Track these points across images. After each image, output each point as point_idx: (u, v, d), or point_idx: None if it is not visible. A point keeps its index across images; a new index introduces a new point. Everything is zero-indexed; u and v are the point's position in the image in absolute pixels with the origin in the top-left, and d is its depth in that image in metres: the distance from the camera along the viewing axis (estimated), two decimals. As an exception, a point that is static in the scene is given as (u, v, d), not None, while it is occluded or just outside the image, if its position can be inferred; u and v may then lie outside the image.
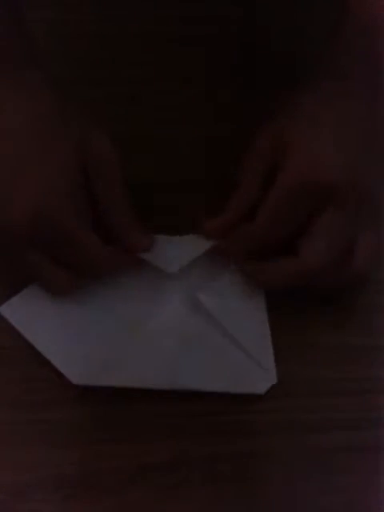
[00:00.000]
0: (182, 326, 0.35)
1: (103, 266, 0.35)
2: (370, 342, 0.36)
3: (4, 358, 0.35)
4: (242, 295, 0.36)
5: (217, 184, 0.41)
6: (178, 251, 0.36)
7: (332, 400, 0.34)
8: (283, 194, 0.34)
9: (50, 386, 0.33)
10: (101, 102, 0.45)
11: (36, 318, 0.35)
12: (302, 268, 0.33)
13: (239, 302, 0.36)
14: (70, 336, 0.35)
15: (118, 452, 0.32)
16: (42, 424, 0.32)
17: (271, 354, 0.35)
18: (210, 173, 0.42)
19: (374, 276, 0.38)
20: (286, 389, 0.34)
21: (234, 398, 0.33)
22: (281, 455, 0.32)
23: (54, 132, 0.33)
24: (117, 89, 0.47)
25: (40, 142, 0.33)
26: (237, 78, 0.48)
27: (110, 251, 0.34)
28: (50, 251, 0.33)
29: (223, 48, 0.50)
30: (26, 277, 0.35)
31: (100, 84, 0.47)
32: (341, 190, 0.33)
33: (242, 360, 0.34)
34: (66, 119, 0.34)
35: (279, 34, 0.52)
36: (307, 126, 0.35)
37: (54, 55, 0.49)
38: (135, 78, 0.48)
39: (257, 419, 0.33)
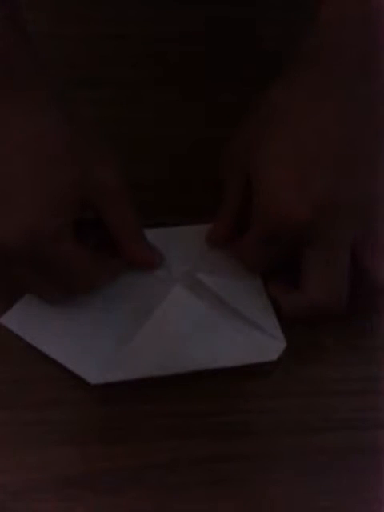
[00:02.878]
0: (187, 309, 0.35)
1: (94, 284, 0.35)
2: (370, 342, 0.36)
3: (4, 357, 0.35)
4: (237, 271, 0.37)
5: (217, 184, 0.41)
6: (175, 257, 0.37)
7: (332, 400, 0.34)
8: (256, 241, 0.34)
9: (50, 387, 0.33)
10: (101, 103, 0.45)
11: (40, 324, 0.35)
12: (310, 303, 0.33)
13: (236, 277, 0.37)
14: (78, 337, 0.35)
15: (118, 452, 0.32)
16: (41, 424, 0.32)
17: (276, 320, 0.35)
18: (210, 173, 0.42)
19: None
20: (286, 389, 0.34)
21: (234, 398, 0.33)
22: (281, 455, 0.32)
23: (56, 156, 0.32)
24: (117, 89, 0.47)
25: (40, 164, 0.32)
26: (237, 78, 0.48)
27: (101, 266, 0.35)
28: (39, 267, 0.32)
29: (223, 48, 0.50)
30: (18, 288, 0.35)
31: (100, 84, 0.47)
32: (313, 226, 0.32)
33: (249, 331, 0.35)
34: (69, 143, 0.33)
35: (279, 33, 0.52)
36: (271, 157, 0.33)
37: (53, 56, 0.49)
38: (135, 79, 0.48)
39: (257, 419, 0.33)
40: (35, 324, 0.35)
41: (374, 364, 0.35)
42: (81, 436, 0.32)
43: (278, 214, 0.32)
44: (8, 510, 0.30)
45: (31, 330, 0.35)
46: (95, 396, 0.33)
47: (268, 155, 0.33)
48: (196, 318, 0.35)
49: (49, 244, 0.31)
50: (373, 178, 0.33)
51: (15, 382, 0.34)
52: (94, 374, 0.33)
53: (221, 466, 0.31)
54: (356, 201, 0.32)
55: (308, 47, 0.35)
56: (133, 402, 0.33)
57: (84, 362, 0.33)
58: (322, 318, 0.34)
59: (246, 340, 0.34)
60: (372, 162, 0.33)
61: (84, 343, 0.34)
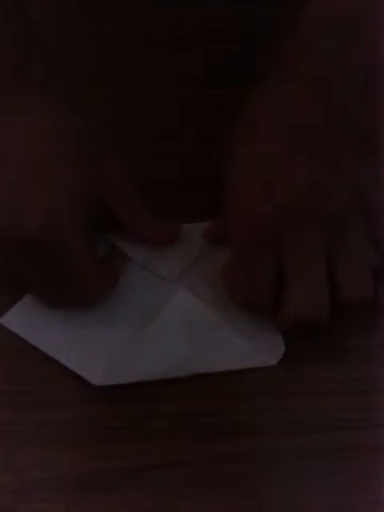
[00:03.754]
0: (189, 312, 0.35)
1: (95, 294, 0.35)
2: (370, 342, 0.36)
3: (4, 357, 0.35)
4: None
5: (217, 184, 0.41)
6: (176, 255, 0.37)
7: (332, 400, 0.34)
8: (239, 257, 0.34)
9: (50, 387, 0.33)
10: (101, 103, 0.45)
11: (40, 325, 0.35)
12: (290, 318, 0.33)
13: None
14: (80, 338, 0.35)
15: (118, 452, 0.32)
16: (42, 424, 0.32)
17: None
18: (211, 173, 0.42)
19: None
20: (285, 389, 0.34)
21: (234, 398, 0.33)
22: (281, 455, 0.32)
23: (64, 155, 0.33)
24: (117, 89, 0.47)
25: (50, 163, 0.32)
26: (238, 78, 0.48)
27: (102, 278, 0.35)
28: (46, 266, 0.32)
29: (223, 48, 0.50)
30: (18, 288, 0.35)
31: (100, 85, 0.47)
32: (281, 232, 0.32)
33: (249, 335, 0.35)
34: (77, 143, 0.33)
35: (280, 33, 0.52)
36: (240, 161, 0.34)
37: (54, 56, 0.49)
38: (135, 79, 0.48)
39: (257, 419, 0.33)
40: (36, 324, 0.35)
41: (373, 364, 0.35)
42: (81, 436, 0.32)
43: (243, 212, 0.32)
44: (8, 510, 0.30)
45: (32, 330, 0.35)
46: (95, 396, 0.33)
47: (238, 159, 0.34)
48: (197, 321, 0.35)
49: (61, 241, 0.31)
50: (346, 191, 0.32)
51: (15, 382, 0.34)
52: (97, 377, 0.33)
53: (220, 466, 0.31)
54: (325, 211, 0.32)
55: (287, 55, 0.34)
56: (133, 402, 0.33)
57: (87, 363, 0.34)
58: (306, 329, 0.34)
59: (246, 344, 0.34)
60: (347, 175, 0.32)
61: (86, 344, 0.34)
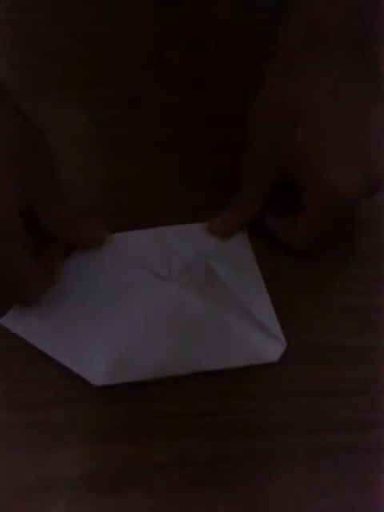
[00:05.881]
0: (188, 310, 0.35)
1: (34, 291, 0.34)
2: (370, 341, 0.36)
3: (3, 357, 0.35)
4: (237, 271, 0.37)
5: (217, 184, 0.41)
6: (176, 255, 0.38)
7: (332, 400, 0.34)
8: (310, 221, 0.36)
9: (50, 387, 0.33)
10: (101, 103, 0.45)
11: (40, 325, 0.35)
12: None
13: (237, 276, 0.37)
14: (80, 339, 0.35)
15: (118, 452, 0.32)
16: (42, 424, 0.32)
17: (276, 321, 0.35)
18: (210, 173, 0.42)
19: (374, 275, 0.38)
20: (285, 389, 0.34)
21: (234, 398, 0.33)
22: (281, 455, 0.32)
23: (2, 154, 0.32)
24: (117, 89, 0.47)
25: None
26: (238, 78, 0.48)
27: (39, 276, 0.34)
28: None
29: (223, 49, 0.50)
30: None
31: (100, 85, 0.47)
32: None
33: (250, 332, 0.35)
34: (14, 143, 0.32)
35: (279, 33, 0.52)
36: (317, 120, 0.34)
37: (53, 56, 0.49)
38: (135, 79, 0.48)
39: (257, 419, 0.33)
40: (36, 325, 0.35)
41: (372, 364, 0.35)
42: (81, 436, 0.32)
43: (332, 194, 0.33)
44: (8, 510, 0.30)
45: (32, 330, 0.35)
46: (95, 396, 0.33)
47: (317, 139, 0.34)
48: (197, 320, 0.35)
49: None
50: None
51: (15, 382, 0.34)
52: (97, 376, 0.33)
53: (220, 466, 0.31)
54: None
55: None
56: (133, 402, 0.33)
57: (87, 364, 0.33)
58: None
59: (247, 341, 0.35)
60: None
61: (86, 344, 0.34)
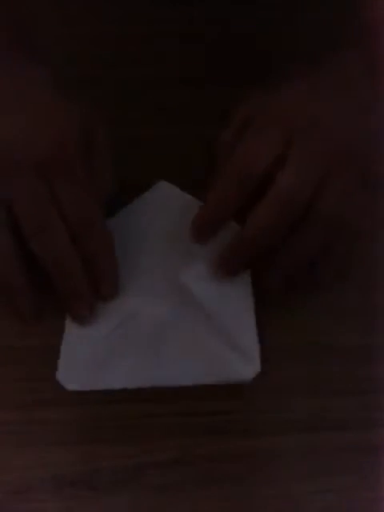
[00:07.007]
0: (164, 324, 0.35)
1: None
2: (370, 341, 0.36)
3: (3, 357, 0.35)
4: (227, 280, 0.36)
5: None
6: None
7: (332, 400, 0.34)
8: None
9: (50, 387, 0.33)
10: (101, 103, 0.45)
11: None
12: (277, 191, 0.33)
13: (224, 286, 0.36)
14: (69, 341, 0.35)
15: (118, 452, 0.32)
16: (41, 424, 0.32)
17: (256, 342, 0.34)
18: (211, 173, 0.42)
19: (375, 275, 0.38)
20: (285, 388, 0.34)
21: (234, 398, 0.33)
22: (281, 455, 0.32)
23: (60, 96, 0.36)
24: (117, 89, 0.47)
25: (49, 100, 0.36)
26: (237, 77, 0.48)
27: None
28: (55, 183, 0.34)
29: (223, 48, 0.50)
30: None
31: (100, 84, 0.47)
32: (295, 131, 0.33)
33: (226, 351, 0.34)
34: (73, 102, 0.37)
35: (280, 34, 0.52)
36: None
37: (53, 55, 0.49)
38: (135, 79, 0.48)
39: (257, 419, 0.33)
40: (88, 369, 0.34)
41: (374, 364, 0.35)
42: (81, 436, 0.32)
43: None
44: (8, 510, 0.30)
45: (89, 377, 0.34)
46: (95, 396, 0.33)
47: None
48: (172, 334, 0.35)
49: (71, 159, 0.34)
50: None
51: (15, 382, 0.34)
52: (70, 381, 0.33)
53: (220, 466, 0.31)
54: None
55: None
56: (133, 402, 0.33)
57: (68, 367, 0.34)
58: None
59: (222, 360, 0.34)
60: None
61: (73, 349, 0.34)
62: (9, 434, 0.32)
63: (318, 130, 0.34)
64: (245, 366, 0.34)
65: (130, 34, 0.51)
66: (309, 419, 0.33)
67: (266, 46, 0.51)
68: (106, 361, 0.34)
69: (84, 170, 0.35)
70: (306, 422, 0.33)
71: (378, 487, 0.31)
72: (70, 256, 0.34)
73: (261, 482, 0.31)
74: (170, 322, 0.35)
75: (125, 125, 0.44)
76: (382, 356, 0.35)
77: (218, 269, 0.36)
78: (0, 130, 0.34)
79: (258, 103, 0.37)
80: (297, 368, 0.35)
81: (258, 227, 0.34)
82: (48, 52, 0.40)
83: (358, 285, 0.38)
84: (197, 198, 0.41)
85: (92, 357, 0.34)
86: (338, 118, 0.34)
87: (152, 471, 0.31)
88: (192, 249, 0.36)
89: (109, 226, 0.36)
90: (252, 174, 0.33)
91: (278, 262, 0.35)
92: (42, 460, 0.31)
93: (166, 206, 0.40)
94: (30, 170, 0.33)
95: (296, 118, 0.34)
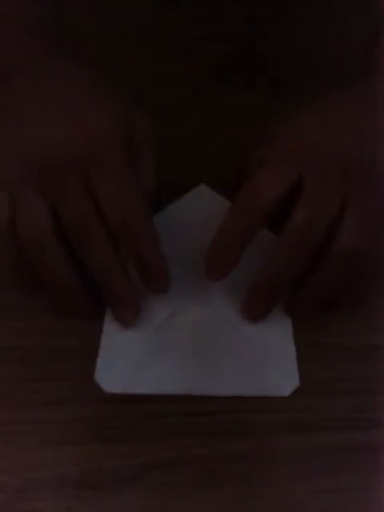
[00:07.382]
0: (203, 331, 0.35)
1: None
2: (370, 341, 0.36)
3: (3, 358, 0.35)
4: None
5: (217, 184, 0.42)
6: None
7: (332, 400, 0.34)
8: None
9: (50, 387, 0.33)
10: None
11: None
12: (291, 231, 0.33)
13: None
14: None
15: (118, 452, 0.32)
16: (42, 424, 0.32)
17: (294, 356, 0.35)
18: (211, 173, 0.42)
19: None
20: (286, 389, 0.34)
21: (234, 398, 0.33)
22: (281, 455, 0.32)
23: (101, 95, 0.37)
24: (117, 89, 0.47)
25: (89, 99, 0.36)
26: (237, 78, 0.48)
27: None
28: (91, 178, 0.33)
29: (224, 48, 0.50)
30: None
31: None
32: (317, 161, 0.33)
33: (264, 363, 0.34)
34: (112, 93, 0.37)
35: (279, 34, 0.52)
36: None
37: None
38: (135, 79, 0.48)
39: (257, 419, 0.33)
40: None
41: (373, 364, 0.35)
42: (81, 436, 0.32)
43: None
44: (8, 510, 0.30)
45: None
46: (95, 396, 0.33)
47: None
48: (210, 344, 0.35)
49: (108, 153, 0.34)
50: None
51: (15, 382, 0.34)
52: (109, 383, 0.33)
53: (221, 466, 0.31)
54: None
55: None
56: (133, 402, 0.33)
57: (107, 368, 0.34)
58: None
59: (260, 372, 0.34)
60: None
61: (113, 352, 0.35)
62: (9, 434, 0.32)
63: (331, 160, 0.33)
64: (283, 380, 0.34)
65: (130, 34, 0.51)
66: (309, 419, 0.33)
67: (266, 46, 0.51)
68: (145, 363, 0.34)
69: (128, 166, 0.34)
70: (306, 421, 0.33)
71: (378, 487, 0.31)
72: (116, 265, 0.34)
73: (261, 482, 0.31)
74: (208, 328, 0.35)
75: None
76: (382, 356, 0.35)
77: (245, 315, 0.36)
78: (40, 130, 0.34)
79: (271, 137, 0.36)
80: (297, 368, 0.35)
81: (275, 270, 0.34)
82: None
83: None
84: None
85: (132, 358, 0.34)
86: (352, 145, 0.34)
87: (153, 471, 0.31)
88: None
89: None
90: (261, 207, 0.33)
91: (299, 297, 0.35)
92: (43, 460, 0.31)
93: (204, 211, 0.40)
94: (73, 170, 0.33)
95: (309, 149, 0.34)
